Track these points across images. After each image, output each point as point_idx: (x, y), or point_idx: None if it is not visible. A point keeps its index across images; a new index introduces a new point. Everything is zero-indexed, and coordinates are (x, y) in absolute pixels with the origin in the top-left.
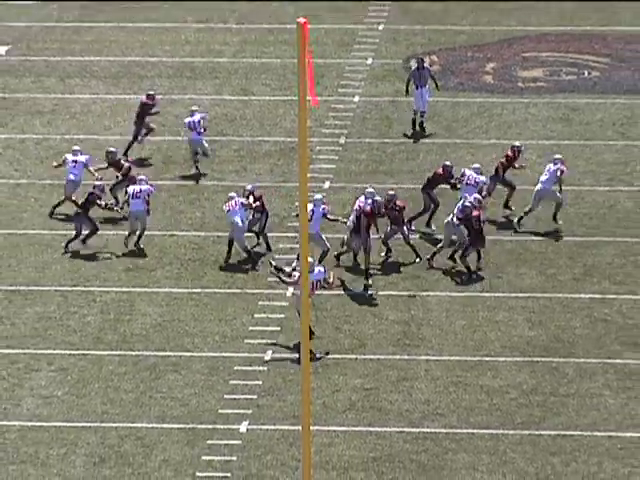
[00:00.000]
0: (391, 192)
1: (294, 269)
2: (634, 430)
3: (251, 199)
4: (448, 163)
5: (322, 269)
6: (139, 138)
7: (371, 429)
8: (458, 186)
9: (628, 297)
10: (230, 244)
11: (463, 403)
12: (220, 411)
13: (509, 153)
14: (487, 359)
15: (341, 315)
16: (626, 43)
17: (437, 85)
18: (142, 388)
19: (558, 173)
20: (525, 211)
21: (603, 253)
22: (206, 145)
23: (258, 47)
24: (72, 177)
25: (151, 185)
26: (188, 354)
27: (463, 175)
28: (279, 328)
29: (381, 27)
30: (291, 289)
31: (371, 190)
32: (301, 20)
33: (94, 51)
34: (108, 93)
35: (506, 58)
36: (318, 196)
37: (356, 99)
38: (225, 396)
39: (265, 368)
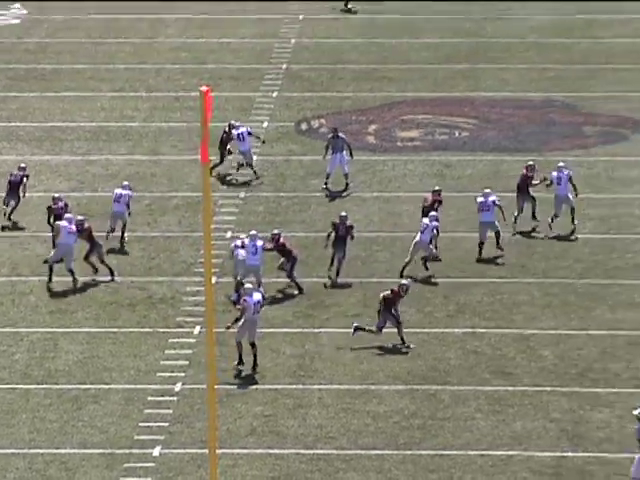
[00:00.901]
0: (275, 230)
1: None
2: (503, 449)
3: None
4: (437, 188)
5: (260, 294)
6: (224, 159)
7: (270, 451)
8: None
9: (496, 331)
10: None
11: (352, 427)
12: (136, 437)
13: (525, 172)
14: (373, 387)
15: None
16: (491, 107)
17: (351, 153)
18: (65, 418)
19: (569, 177)
20: (552, 217)
21: (474, 292)
22: (251, 154)
23: (166, 113)
24: None
25: (130, 190)
26: (106, 386)
27: (479, 203)
28: (187, 362)
29: (275, 94)
30: (198, 328)
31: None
32: (204, 88)
33: (19, 117)
34: (33, 155)
35: (386, 120)
36: (253, 232)
37: (254, 158)
38: (140, 424)
39: (175, 398)
